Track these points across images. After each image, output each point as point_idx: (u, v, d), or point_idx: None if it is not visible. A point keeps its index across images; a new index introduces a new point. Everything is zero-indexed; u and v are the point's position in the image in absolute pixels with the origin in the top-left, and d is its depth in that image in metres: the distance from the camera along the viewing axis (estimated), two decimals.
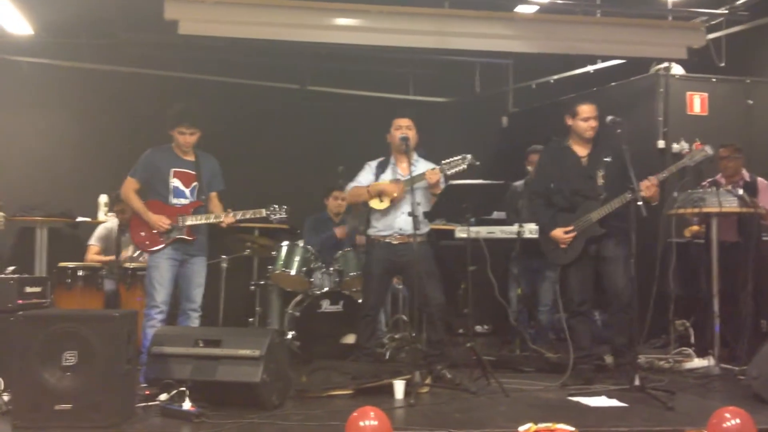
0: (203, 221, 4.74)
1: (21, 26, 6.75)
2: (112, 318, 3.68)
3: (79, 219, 6.82)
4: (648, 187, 4.55)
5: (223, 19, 5.96)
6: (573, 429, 3.29)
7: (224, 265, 6.20)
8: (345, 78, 8.08)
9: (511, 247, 5.80)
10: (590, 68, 7.50)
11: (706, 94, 6.49)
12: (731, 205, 5.05)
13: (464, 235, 4.94)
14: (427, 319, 5.25)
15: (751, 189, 5.37)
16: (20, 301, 4.32)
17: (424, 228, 4.93)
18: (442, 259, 5.37)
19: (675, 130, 6.33)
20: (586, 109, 4.86)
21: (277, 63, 7.76)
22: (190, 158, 4.84)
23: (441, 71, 8.19)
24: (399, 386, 4.22)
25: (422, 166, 4.97)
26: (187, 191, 4.79)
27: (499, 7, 6.47)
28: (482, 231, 5.52)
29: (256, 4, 6.03)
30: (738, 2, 6.45)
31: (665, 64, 6.57)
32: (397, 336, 5.88)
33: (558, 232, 4.83)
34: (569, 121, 4.92)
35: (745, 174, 5.57)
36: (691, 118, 6.42)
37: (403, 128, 4.99)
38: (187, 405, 3.70)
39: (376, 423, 3.08)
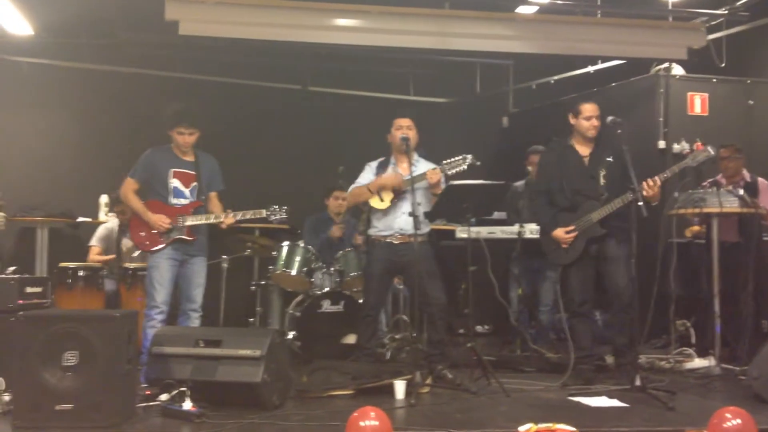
0: (203, 221, 4.74)
1: (21, 26, 6.75)
2: (113, 318, 3.68)
3: (80, 219, 6.83)
4: (650, 187, 4.54)
5: (223, 19, 5.97)
6: (573, 429, 3.28)
7: (225, 265, 6.21)
8: (345, 78, 8.08)
9: (511, 248, 5.81)
10: (590, 69, 7.50)
11: (706, 95, 6.49)
12: (732, 205, 5.05)
13: (465, 236, 4.94)
14: (427, 319, 5.24)
15: (752, 189, 5.38)
16: (21, 302, 4.31)
17: (425, 228, 4.92)
18: (442, 259, 5.37)
19: (675, 130, 6.34)
20: (588, 108, 4.86)
21: (277, 63, 7.77)
22: (190, 158, 4.84)
23: (441, 72, 8.19)
24: (400, 386, 4.22)
25: (423, 166, 4.97)
26: (186, 191, 4.79)
27: (499, 8, 6.48)
28: (483, 231, 5.54)
29: (256, 4, 6.04)
30: (738, 2, 6.45)
31: (665, 65, 6.56)
32: (397, 336, 5.87)
33: (559, 232, 4.82)
34: (572, 120, 4.92)
35: (746, 174, 5.57)
36: (691, 119, 6.43)
37: (404, 128, 4.98)
38: (187, 405, 3.70)
39: (376, 423, 3.07)
